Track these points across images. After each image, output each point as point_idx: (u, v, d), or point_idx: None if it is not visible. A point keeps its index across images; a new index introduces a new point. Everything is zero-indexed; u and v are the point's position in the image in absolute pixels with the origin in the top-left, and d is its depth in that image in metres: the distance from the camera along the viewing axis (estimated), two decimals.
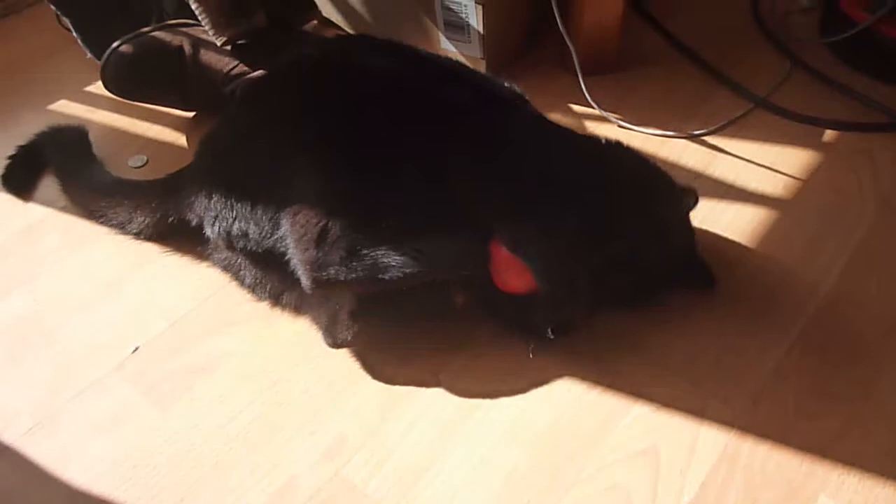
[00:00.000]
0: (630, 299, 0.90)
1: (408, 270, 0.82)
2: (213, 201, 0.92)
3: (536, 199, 0.87)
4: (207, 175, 0.96)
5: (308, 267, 0.84)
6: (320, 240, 0.84)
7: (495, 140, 0.92)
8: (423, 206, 0.86)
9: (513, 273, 0.83)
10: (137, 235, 1.03)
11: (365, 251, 0.83)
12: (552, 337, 0.83)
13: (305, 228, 0.85)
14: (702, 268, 0.93)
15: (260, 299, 0.95)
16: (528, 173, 0.89)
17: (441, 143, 0.90)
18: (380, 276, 0.82)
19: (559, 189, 0.87)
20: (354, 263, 0.82)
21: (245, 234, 0.89)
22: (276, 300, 0.95)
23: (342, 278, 0.83)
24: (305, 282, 0.85)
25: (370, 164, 0.88)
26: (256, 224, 0.88)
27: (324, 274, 0.83)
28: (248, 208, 0.89)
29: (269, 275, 0.93)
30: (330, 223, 0.84)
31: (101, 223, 1.05)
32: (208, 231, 0.94)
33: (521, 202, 0.86)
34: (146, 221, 1.01)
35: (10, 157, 1.15)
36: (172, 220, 1.00)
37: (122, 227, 1.04)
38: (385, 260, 0.82)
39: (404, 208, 0.86)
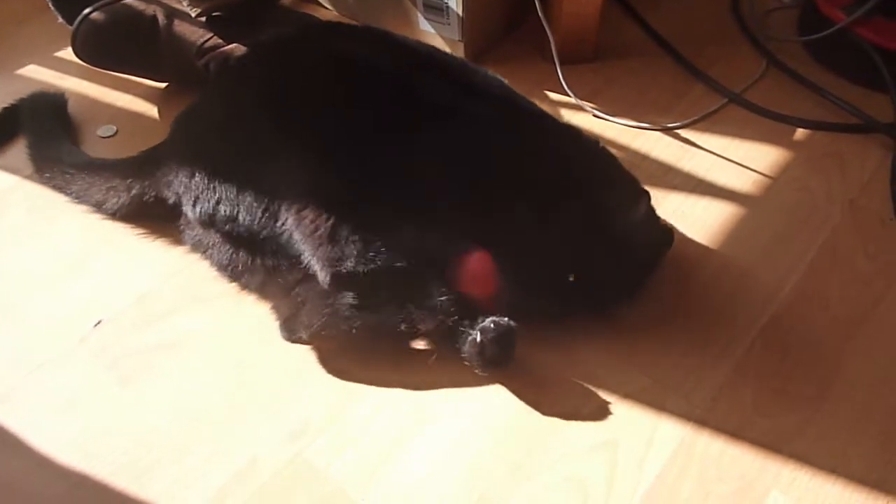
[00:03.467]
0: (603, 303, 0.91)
1: (417, 259, 0.83)
2: (193, 181, 0.91)
3: (510, 204, 0.87)
4: (186, 153, 0.95)
5: (326, 263, 0.83)
6: (334, 234, 0.83)
7: (471, 137, 0.92)
8: (408, 200, 0.86)
9: (481, 279, 0.84)
10: (113, 215, 1.01)
11: (379, 242, 0.83)
12: (482, 370, 0.83)
13: (316, 224, 0.84)
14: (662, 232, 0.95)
15: (226, 279, 0.95)
16: (501, 173, 0.89)
17: (421, 137, 0.90)
18: (397, 263, 0.82)
19: (531, 191, 0.88)
20: (371, 254, 0.82)
21: (232, 219, 0.89)
22: (239, 281, 0.94)
23: (361, 270, 0.82)
24: (324, 277, 0.84)
25: (359, 156, 0.88)
26: (248, 211, 0.88)
27: (343, 268, 0.83)
28: (234, 193, 0.88)
29: (239, 256, 0.91)
30: (340, 219, 0.84)
31: (77, 202, 1.03)
32: (188, 211, 0.92)
33: (493, 206, 0.87)
34: (121, 200, 0.99)
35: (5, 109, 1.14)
36: (148, 199, 0.98)
37: (98, 207, 1.01)
38: (397, 250, 0.83)
39: (395, 202, 0.86)
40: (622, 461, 0.79)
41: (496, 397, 0.84)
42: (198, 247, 0.96)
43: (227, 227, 0.90)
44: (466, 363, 0.83)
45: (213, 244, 0.93)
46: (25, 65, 1.28)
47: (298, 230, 0.85)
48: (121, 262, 0.98)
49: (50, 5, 1.24)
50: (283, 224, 0.86)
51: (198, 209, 0.91)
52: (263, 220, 0.87)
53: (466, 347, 0.82)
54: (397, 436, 0.81)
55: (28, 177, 1.08)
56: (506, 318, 0.81)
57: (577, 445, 0.80)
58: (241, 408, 0.84)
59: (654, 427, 0.81)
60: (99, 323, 0.91)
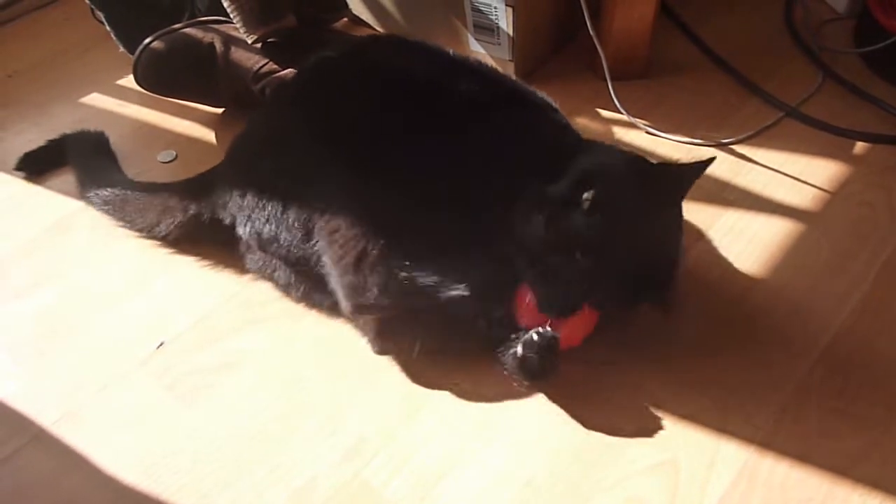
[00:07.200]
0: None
1: (442, 295, 0.82)
2: (245, 201, 0.93)
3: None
4: (239, 174, 0.97)
5: (348, 292, 0.85)
6: (359, 263, 0.84)
7: (523, 152, 0.91)
8: (451, 224, 0.86)
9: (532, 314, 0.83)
10: (165, 238, 1.03)
11: (404, 275, 0.83)
12: (524, 381, 0.83)
13: (344, 250, 0.85)
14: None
15: (293, 299, 0.96)
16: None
17: (471, 155, 0.90)
18: (417, 302, 0.83)
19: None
20: (393, 290, 0.83)
21: (276, 239, 0.90)
22: (308, 300, 0.95)
23: (382, 304, 0.84)
24: (345, 306, 0.86)
25: (400, 174, 0.88)
26: (288, 231, 0.89)
27: (363, 299, 0.84)
28: (279, 211, 0.90)
29: (300, 276, 0.93)
30: (369, 245, 0.84)
31: (129, 228, 1.05)
32: (240, 231, 0.94)
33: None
34: (175, 221, 1.01)
35: (49, 142, 1.18)
36: (204, 219, 1.00)
37: (149, 231, 1.03)
38: (423, 281, 0.82)
39: (435, 225, 0.86)
40: (684, 483, 0.77)
41: (552, 417, 0.84)
42: (263, 270, 0.97)
43: (273, 247, 0.91)
44: (510, 376, 0.83)
45: (276, 266, 0.95)
46: (89, 93, 1.32)
47: (328, 253, 0.87)
48: (180, 283, 1.00)
49: (112, 35, 1.28)
50: (315, 244, 0.88)
51: (248, 229, 0.93)
52: (300, 237, 0.89)
53: (509, 360, 0.82)
54: (452, 455, 0.81)
55: None
56: (549, 329, 0.80)
57: (636, 466, 0.79)
58: (299, 426, 0.85)
59: (716, 449, 0.80)
60: (161, 345, 0.93)
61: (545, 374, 0.81)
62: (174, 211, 1.02)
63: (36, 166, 1.18)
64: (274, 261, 0.95)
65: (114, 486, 0.80)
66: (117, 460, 0.83)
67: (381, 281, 0.83)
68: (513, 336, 0.83)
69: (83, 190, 1.10)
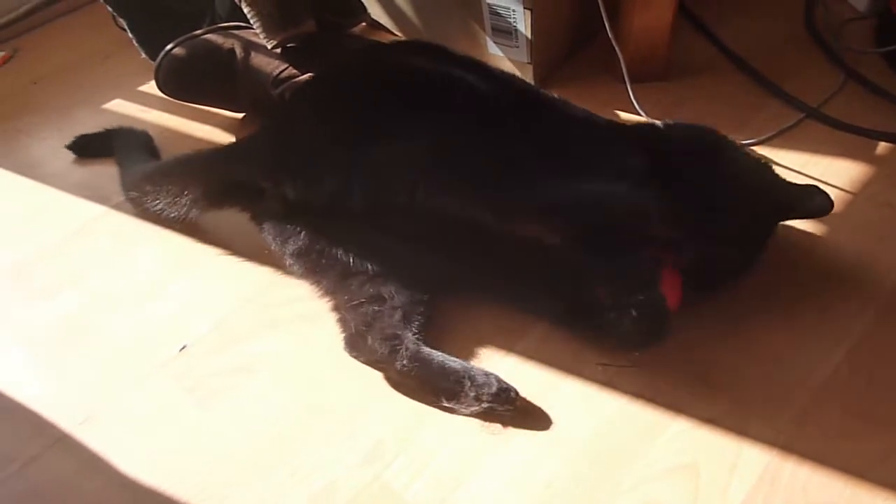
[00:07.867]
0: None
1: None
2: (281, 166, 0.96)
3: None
4: (276, 136, 1.02)
5: (348, 340, 0.91)
6: (368, 325, 0.89)
7: (552, 155, 0.92)
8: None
9: None
10: (188, 211, 1.02)
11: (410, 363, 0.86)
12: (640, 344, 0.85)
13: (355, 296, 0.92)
14: None
15: (301, 274, 0.97)
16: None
17: (492, 161, 0.90)
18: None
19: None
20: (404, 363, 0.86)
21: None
22: (312, 279, 0.97)
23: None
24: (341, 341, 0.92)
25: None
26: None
27: (360, 356, 0.91)
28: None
29: (316, 247, 0.94)
30: (380, 308, 0.90)
31: (152, 206, 1.05)
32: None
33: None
34: (198, 190, 1.00)
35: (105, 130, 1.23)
36: (223, 187, 1.01)
37: (172, 206, 1.02)
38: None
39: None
40: (704, 487, 0.77)
41: (571, 418, 0.84)
42: (278, 236, 0.97)
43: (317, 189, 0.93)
44: (621, 348, 0.85)
45: (292, 234, 0.95)
46: (112, 99, 1.34)
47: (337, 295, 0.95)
48: (200, 286, 1.01)
49: (133, 41, 1.30)
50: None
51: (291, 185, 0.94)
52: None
53: (623, 326, 0.82)
54: (472, 458, 0.81)
55: (115, 206, 1.12)
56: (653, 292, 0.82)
57: (656, 469, 0.79)
58: (318, 429, 0.85)
59: (738, 452, 0.79)
60: (184, 348, 0.94)
61: (664, 330, 0.82)
62: (199, 178, 1.02)
63: (86, 150, 1.22)
64: (292, 228, 0.95)
65: (135, 489, 0.81)
66: (138, 463, 0.83)
67: (387, 353, 0.86)
68: (608, 313, 0.84)
69: (121, 179, 1.13)
